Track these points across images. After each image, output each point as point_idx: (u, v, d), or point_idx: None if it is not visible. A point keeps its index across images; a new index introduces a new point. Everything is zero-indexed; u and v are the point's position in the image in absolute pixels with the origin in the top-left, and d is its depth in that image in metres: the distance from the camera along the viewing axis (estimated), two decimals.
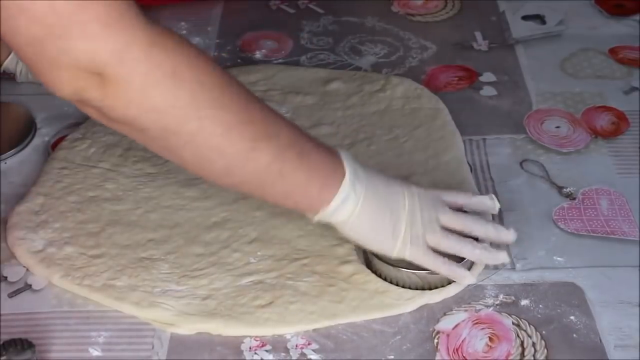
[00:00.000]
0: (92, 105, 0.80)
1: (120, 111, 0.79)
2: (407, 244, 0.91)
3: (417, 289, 0.95)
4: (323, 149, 0.90)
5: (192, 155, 0.84)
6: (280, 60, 1.33)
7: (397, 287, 0.96)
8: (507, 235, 0.95)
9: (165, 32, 0.80)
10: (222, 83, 0.83)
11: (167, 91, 0.79)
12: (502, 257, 0.94)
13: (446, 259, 0.92)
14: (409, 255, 0.92)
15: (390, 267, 0.95)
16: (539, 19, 1.40)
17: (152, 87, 0.78)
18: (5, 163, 1.14)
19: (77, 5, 0.74)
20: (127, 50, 0.76)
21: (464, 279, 0.94)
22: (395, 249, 0.91)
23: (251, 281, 0.96)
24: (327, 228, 0.96)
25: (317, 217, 0.90)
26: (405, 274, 0.94)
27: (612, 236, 1.02)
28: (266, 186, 0.87)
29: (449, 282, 0.95)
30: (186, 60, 0.80)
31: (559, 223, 1.04)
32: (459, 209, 0.96)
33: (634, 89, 1.25)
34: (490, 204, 0.97)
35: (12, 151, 1.15)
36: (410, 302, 0.94)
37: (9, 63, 1.24)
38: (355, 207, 0.89)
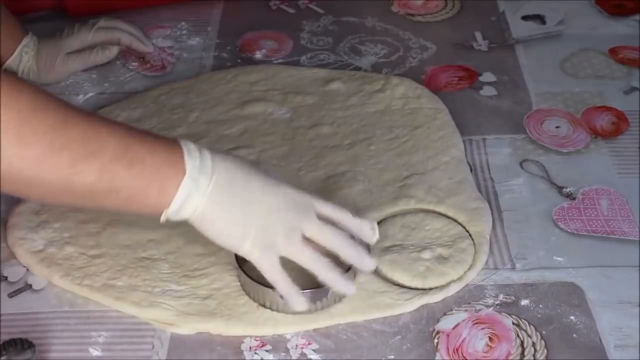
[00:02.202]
0: None
1: None
2: (256, 248, 0.85)
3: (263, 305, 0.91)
4: (162, 149, 0.84)
5: (10, 188, 0.80)
6: (280, 60, 1.33)
7: (397, 287, 0.96)
8: (368, 264, 0.89)
9: None
10: (29, 110, 0.77)
11: None
12: (349, 289, 0.88)
13: (286, 278, 0.86)
14: (255, 260, 0.86)
15: (243, 275, 0.91)
16: (539, 19, 1.40)
17: None
18: None
19: None
20: None
21: (298, 306, 0.87)
22: (241, 250, 0.86)
23: None
24: None
25: (163, 219, 0.85)
26: (254, 286, 0.90)
27: (612, 236, 1.03)
28: (100, 200, 0.83)
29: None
30: None
31: (559, 223, 1.04)
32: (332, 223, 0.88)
33: (634, 89, 1.25)
34: (369, 232, 0.90)
35: None
36: (410, 303, 0.94)
37: (12, 62, 1.24)
38: (197, 205, 0.84)
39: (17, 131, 0.76)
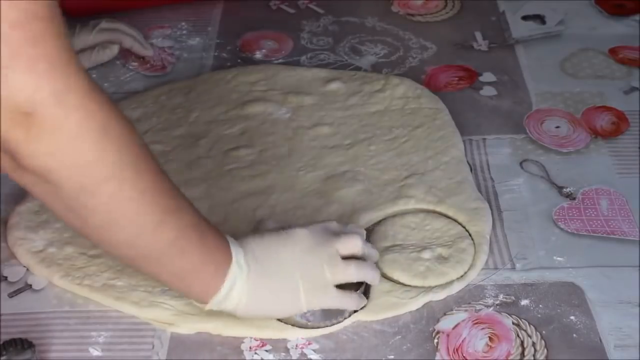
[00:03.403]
0: (6, 147, 0.73)
1: (40, 159, 0.73)
2: (312, 296, 0.88)
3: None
4: (216, 231, 0.86)
5: (101, 220, 0.79)
6: (280, 60, 1.33)
7: (400, 285, 0.96)
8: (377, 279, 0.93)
9: (97, 85, 0.75)
10: (142, 146, 0.79)
11: (96, 144, 0.74)
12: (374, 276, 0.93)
13: (347, 292, 0.90)
14: (319, 306, 0.89)
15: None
16: (539, 19, 1.40)
17: (83, 138, 0.73)
18: None
19: (31, 38, 0.69)
20: (66, 93, 0.71)
21: (361, 304, 0.92)
22: (302, 308, 0.89)
23: None
24: None
25: (209, 307, 0.86)
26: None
27: (612, 236, 1.03)
28: (165, 263, 0.83)
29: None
30: (115, 115, 0.76)
31: (559, 223, 1.04)
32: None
33: (634, 89, 1.25)
34: (373, 254, 0.95)
35: None
36: (414, 301, 0.94)
37: None
38: (241, 291, 0.86)
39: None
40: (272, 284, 0.87)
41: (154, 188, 0.80)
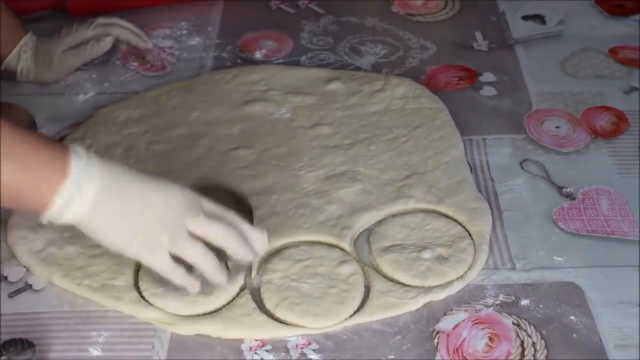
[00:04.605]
0: None
1: None
2: (144, 250, 0.86)
3: None
4: (48, 150, 0.82)
5: None
6: (280, 60, 1.33)
7: (400, 285, 0.96)
8: (258, 235, 0.90)
9: None
10: None
11: None
12: (221, 281, 0.89)
13: (181, 270, 0.87)
14: (146, 262, 0.87)
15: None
16: (539, 19, 1.40)
17: None
18: None
19: None
20: None
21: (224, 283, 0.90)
22: (129, 254, 0.86)
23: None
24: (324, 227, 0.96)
25: (45, 220, 0.84)
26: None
27: (612, 236, 1.03)
28: None
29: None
30: None
31: (559, 223, 1.04)
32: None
33: (634, 89, 1.25)
34: (258, 237, 0.90)
35: None
36: (414, 301, 0.94)
37: (10, 60, 1.25)
38: (79, 211, 0.83)
39: None
40: (113, 213, 0.84)
41: None
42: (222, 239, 0.88)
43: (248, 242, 0.89)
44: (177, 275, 0.88)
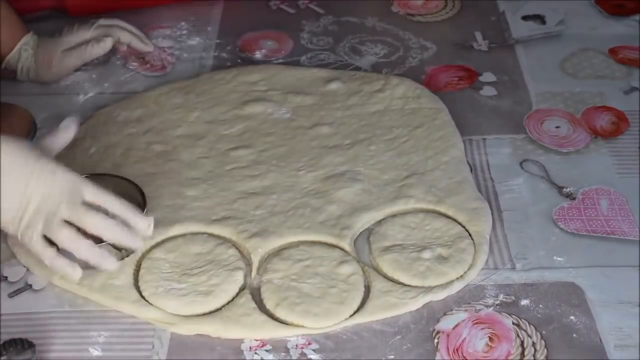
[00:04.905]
0: None
1: None
2: (20, 227, 0.89)
3: None
4: None
5: None
6: (280, 60, 1.33)
7: (399, 285, 0.96)
8: (135, 244, 0.92)
9: None
10: None
11: None
12: (109, 266, 0.92)
13: (53, 254, 0.91)
14: (19, 238, 0.90)
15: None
16: (539, 19, 1.40)
17: None
18: None
19: None
20: None
21: (110, 266, 0.92)
22: (9, 230, 0.90)
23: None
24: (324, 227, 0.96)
25: None
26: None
27: (612, 236, 1.03)
28: None
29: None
30: None
31: (559, 223, 1.04)
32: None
33: (634, 89, 1.25)
34: (140, 224, 0.93)
35: None
36: (414, 301, 0.94)
37: (10, 59, 1.25)
38: None
39: None
40: (4, 194, 0.87)
41: None
42: (97, 229, 0.90)
43: (132, 230, 0.92)
44: (46, 256, 0.91)
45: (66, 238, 0.90)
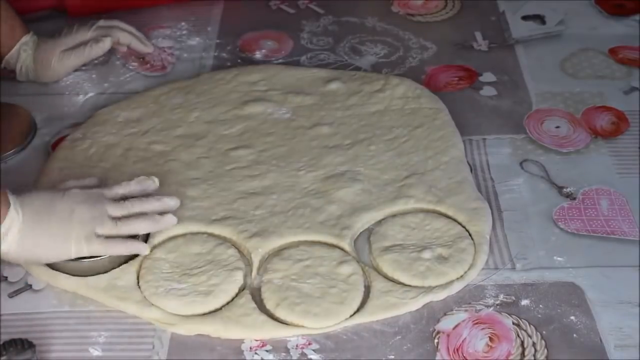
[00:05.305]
0: None
1: None
2: (82, 243, 0.95)
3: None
4: None
5: None
6: (280, 60, 1.33)
7: (400, 285, 0.96)
8: (170, 201, 1.01)
9: None
10: None
11: None
12: (169, 220, 1.00)
13: (120, 239, 0.97)
14: (88, 251, 0.95)
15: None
16: (539, 19, 1.40)
17: None
18: (6, 163, 1.14)
19: None
20: None
21: (143, 250, 0.99)
22: (71, 252, 0.95)
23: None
24: (324, 226, 0.96)
25: None
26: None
27: (612, 236, 1.03)
28: None
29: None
30: None
31: (559, 223, 1.04)
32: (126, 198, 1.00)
33: (634, 89, 1.25)
34: (148, 182, 1.02)
35: (13, 151, 1.15)
36: (414, 301, 0.94)
37: (10, 58, 1.25)
38: (16, 232, 0.93)
39: None
40: (45, 231, 0.94)
41: None
42: (134, 232, 0.98)
43: (156, 216, 0.99)
44: (117, 246, 0.97)
45: (122, 226, 0.97)
